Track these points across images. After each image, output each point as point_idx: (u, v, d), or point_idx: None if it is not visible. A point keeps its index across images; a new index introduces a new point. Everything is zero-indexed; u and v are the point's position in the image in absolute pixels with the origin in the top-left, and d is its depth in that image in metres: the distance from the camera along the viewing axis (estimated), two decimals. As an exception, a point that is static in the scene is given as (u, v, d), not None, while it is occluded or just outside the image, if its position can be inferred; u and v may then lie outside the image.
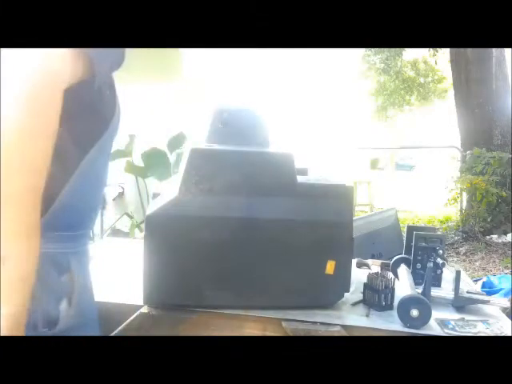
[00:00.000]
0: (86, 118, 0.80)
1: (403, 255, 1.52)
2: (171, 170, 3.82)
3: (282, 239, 1.14)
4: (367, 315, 1.18)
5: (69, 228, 0.82)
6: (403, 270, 1.40)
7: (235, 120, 1.24)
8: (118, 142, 4.20)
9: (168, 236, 1.11)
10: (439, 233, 1.63)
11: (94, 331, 0.91)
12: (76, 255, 0.84)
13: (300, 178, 1.18)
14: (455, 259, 5.18)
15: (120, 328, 1.10)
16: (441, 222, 7.57)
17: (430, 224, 7.14)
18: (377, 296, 1.22)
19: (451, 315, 1.22)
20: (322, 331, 1.09)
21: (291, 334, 1.09)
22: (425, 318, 1.11)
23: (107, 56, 0.81)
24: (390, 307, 1.22)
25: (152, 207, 1.14)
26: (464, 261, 5.16)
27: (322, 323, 1.12)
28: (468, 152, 6.34)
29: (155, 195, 1.23)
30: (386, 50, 14.13)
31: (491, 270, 4.73)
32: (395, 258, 1.52)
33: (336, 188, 1.20)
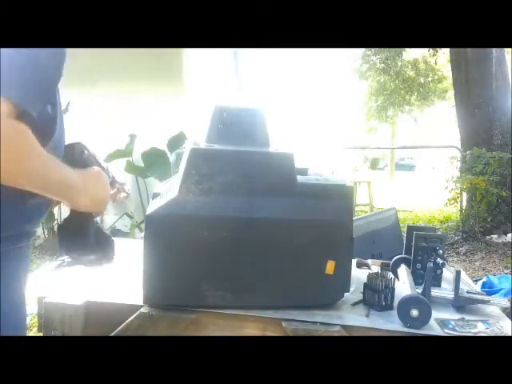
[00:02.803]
0: None
1: (403, 255, 1.52)
2: (171, 170, 3.81)
3: (281, 239, 1.14)
4: (367, 315, 1.18)
5: None
6: (403, 270, 1.40)
7: (235, 120, 1.24)
8: (118, 142, 4.21)
9: (168, 236, 1.11)
10: (439, 233, 1.63)
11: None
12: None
13: (300, 178, 1.18)
14: (455, 259, 5.18)
15: (120, 328, 1.10)
16: (441, 222, 7.57)
17: (430, 224, 7.14)
18: (377, 296, 1.22)
19: (451, 315, 1.22)
20: (322, 331, 1.09)
21: (291, 334, 1.09)
22: (425, 317, 1.11)
23: None
24: (390, 307, 1.22)
25: (152, 207, 1.14)
26: (464, 261, 5.16)
27: (322, 323, 1.12)
28: (468, 152, 6.33)
29: (155, 195, 1.23)
30: (385, 49, 14.12)
31: (491, 270, 4.73)
32: (395, 258, 1.52)
33: (336, 188, 1.19)
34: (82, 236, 0.97)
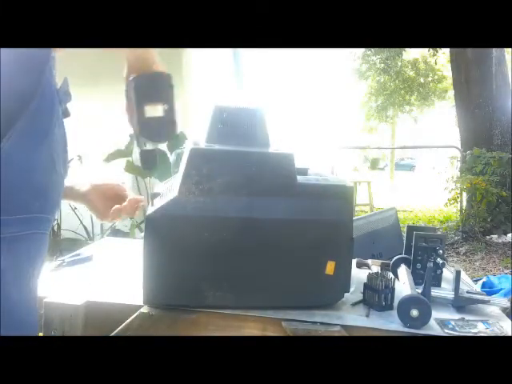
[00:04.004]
0: None
1: (403, 255, 1.52)
2: (171, 170, 3.82)
3: (281, 239, 1.14)
4: (367, 315, 1.18)
5: None
6: (403, 270, 1.40)
7: (235, 120, 1.23)
8: (118, 142, 4.21)
9: (168, 236, 1.11)
10: (439, 233, 1.63)
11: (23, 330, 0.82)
12: (6, 242, 0.77)
13: (300, 178, 1.18)
14: (455, 259, 5.18)
15: (120, 328, 1.10)
16: (441, 222, 7.57)
17: (430, 224, 7.14)
18: (377, 296, 1.22)
19: (451, 315, 1.22)
20: (322, 331, 1.09)
21: (291, 334, 1.09)
22: (425, 317, 1.11)
23: None
24: (390, 307, 1.22)
25: (151, 208, 1.14)
26: (464, 261, 5.17)
27: (322, 323, 1.12)
28: (468, 152, 6.34)
29: (155, 195, 1.23)
30: (385, 49, 14.13)
31: (491, 270, 4.73)
32: (395, 258, 1.52)
33: (336, 188, 1.19)
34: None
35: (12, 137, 0.76)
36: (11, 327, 0.79)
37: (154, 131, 0.98)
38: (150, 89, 0.95)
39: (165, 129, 0.98)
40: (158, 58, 0.97)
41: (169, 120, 0.96)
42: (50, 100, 0.84)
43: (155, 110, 0.95)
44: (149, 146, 1.08)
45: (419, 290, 1.25)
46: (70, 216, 4.00)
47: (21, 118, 0.77)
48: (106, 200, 1.27)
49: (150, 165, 1.09)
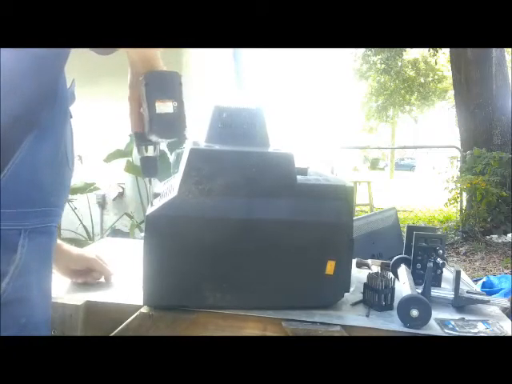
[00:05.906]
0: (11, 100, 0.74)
1: (403, 255, 1.51)
2: (171, 170, 3.81)
3: (281, 240, 1.14)
4: (367, 315, 1.18)
5: (16, 205, 0.78)
6: (403, 270, 1.40)
7: (235, 120, 1.23)
8: (118, 142, 4.21)
9: (168, 237, 1.11)
10: (439, 233, 1.63)
11: (36, 328, 0.85)
12: (27, 233, 0.79)
13: (300, 178, 1.18)
14: (455, 259, 5.19)
15: (120, 328, 1.10)
16: (441, 221, 7.58)
17: (429, 224, 7.15)
18: (377, 296, 1.22)
19: (451, 315, 1.22)
20: (322, 331, 1.09)
21: (291, 334, 1.09)
22: (425, 317, 1.11)
23: None
24: (389, 307, 1.22)
25: (151, 208, 1.13)
26: (464, 261, 5.17)
27: (321, 323, 1.12)
28: (468, 152, 6.34)
29: (155, 195, 1.23)
30: (386, 49, 14.14)
31: (491, 270, 4.74)
32: (395, 258, 1.52)
33: (336, 188, 1.19)
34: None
35: (35, 136, 0.79)
36: (33, 320, 0.81)
37: (164, 127, 0.99)
38: (160, 85, 0.97)
39: (174, 125, 0.99)
40: (161, 57, 0.99)
41: (178, 117, 0.98)
42: (65, 101, 0.86)
43: (165, 107, 0.96)
44: (150, 153, 1.08)
45: (419, 290, 1.25)
46: (70, 216, 4.00)
47: (42, 119, 0.79)
48: (74, 271, 1.31)
49: (151, 172, 1.11)
